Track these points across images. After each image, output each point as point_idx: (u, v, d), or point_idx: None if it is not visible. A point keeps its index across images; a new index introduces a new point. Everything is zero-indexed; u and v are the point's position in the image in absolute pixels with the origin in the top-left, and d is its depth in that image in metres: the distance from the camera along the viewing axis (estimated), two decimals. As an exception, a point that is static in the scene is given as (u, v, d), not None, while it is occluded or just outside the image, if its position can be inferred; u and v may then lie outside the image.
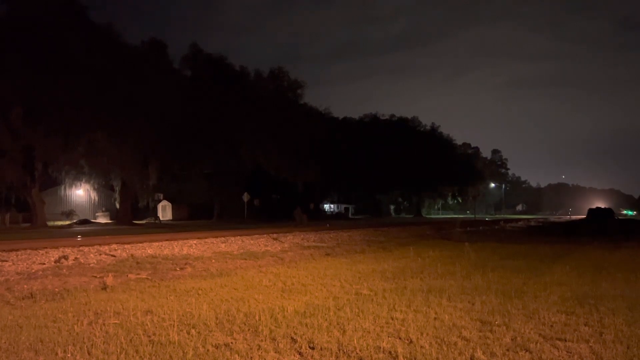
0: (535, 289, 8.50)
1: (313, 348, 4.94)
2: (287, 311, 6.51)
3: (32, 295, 7.64)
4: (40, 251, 12.67)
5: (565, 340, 5.28)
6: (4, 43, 29.84)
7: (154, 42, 41.29)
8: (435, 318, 6.23)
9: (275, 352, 4.80)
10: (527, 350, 4.89)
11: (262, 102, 46.16)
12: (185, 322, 5.90)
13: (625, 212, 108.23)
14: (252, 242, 17.28)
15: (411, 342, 5.15)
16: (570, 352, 4.87)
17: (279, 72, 51.90)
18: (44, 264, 10.98)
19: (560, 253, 16.07)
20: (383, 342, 5.13)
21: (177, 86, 38.31)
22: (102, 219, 45.18)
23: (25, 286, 8.40)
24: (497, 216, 76.67)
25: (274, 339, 5.22)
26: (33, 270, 10.13)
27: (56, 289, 8.20)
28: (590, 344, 5.15)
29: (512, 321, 6.08)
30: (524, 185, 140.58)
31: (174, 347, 4.89)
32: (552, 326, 5.90)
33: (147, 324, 5.79)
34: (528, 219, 60.14)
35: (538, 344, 5.12)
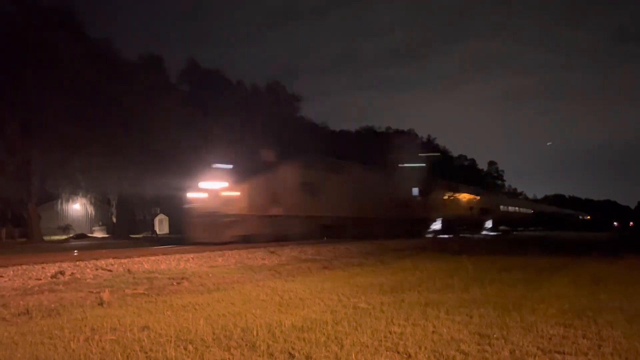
0: (533, 302, 8.48)
1: (311, 363, 4.91)
2: (284, 326, 6.48)
3: (28, 311, 7.59)
4: (36, 266, 12.56)
5: (564, 353, 5.26)
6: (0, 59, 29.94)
7: (150, 56, 41.56)
8: (433, 332, 6.21)
9: (273, 368, 4.77)
10: (525, 364, 4.88)
11: (260, 116, 46.46)
12: (182, 338, 5.86)
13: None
14: (249, 255, 17.21)
15: (410, 356, 5.13)
16: (569, 366, 4.86)
17: (276, 86, 52.30)
18: (40, 279, 10.91)
19: (558, 265, 16.07)
20: (381, 356, 5.10)
21: (174, 101, 38.45)
22: (99, 233, 45.04)
23: (21, 302, 8.34)
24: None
25: (271, 355, 5.19)
26: (29, 286, 10.06)
27: (52, 305, 8.15)
28: (589, 357, 5.14)
29: (510, 334, 6.07)
30: (520, 197, 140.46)
31: (170, 363, 4.85)
32: (550, 339, 5.89)
33: (143, 340, 5.76)
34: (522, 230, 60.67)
35: (536, 357, 5.11)
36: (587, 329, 6.38)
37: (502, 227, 59.69)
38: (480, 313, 7.37)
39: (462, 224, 46.60)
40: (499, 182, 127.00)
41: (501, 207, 61.52)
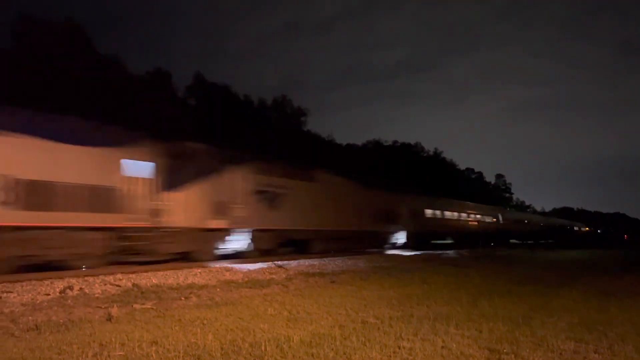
0: (543, 315, 8.42)
1: (320, 379, 4.89)
2: (292, 341, 6.46)
3: (37, 327, 7.60)
4: (45, 282, 12.60)
5: (575, 368, 5.22)
6: (12, 76, 30.30)
7: (159, 72, 42.02)
8: (442, 346, 6.17)
9: (282, 383, 4.75)
10: (536, 379, 4.83)
11: (266, 130, 46.81)
12: (191, 353, 5.86)
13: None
14: (256, 269, 17.20)
15: (419, 371, 5.10)
16: (580, 381, 4.81)
17: (282, 100, 52.73)
18: (49, 294, 10.93)
19: (567, 278, 15.95)
20: (390, 371, 5.07)
21: (182, 115, 38.79)
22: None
23: (30, 318, 8.37)
24: None
25: (280, 370, 5.17)
26: (38, 302, 10.09)
27: (61, 320, 8.17)
28: (601, 372, 5.09)
29: (520, 349, 6.02)
30: (528, 210, 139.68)
31: (179, 379, 4.84)
32: (561, 354, 5.84)
33: (152, 355, 5.75)
34: (532, 244, 59.96)
35: (547, 372, 5.06)
36: (598, 343, 6.33)
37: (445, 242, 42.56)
38: (489, 327, 7.31)
39: (327, 238, 26.67)
40: (507, 194, 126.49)
41: (427, 211, 40.16)
